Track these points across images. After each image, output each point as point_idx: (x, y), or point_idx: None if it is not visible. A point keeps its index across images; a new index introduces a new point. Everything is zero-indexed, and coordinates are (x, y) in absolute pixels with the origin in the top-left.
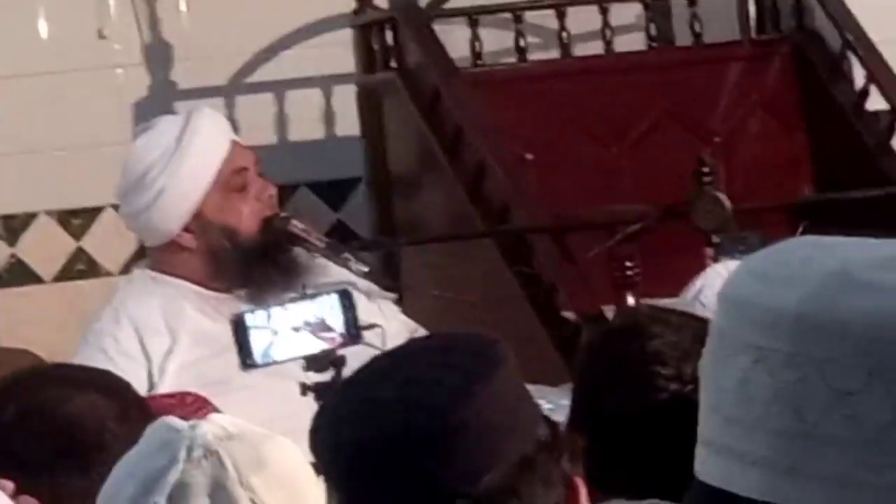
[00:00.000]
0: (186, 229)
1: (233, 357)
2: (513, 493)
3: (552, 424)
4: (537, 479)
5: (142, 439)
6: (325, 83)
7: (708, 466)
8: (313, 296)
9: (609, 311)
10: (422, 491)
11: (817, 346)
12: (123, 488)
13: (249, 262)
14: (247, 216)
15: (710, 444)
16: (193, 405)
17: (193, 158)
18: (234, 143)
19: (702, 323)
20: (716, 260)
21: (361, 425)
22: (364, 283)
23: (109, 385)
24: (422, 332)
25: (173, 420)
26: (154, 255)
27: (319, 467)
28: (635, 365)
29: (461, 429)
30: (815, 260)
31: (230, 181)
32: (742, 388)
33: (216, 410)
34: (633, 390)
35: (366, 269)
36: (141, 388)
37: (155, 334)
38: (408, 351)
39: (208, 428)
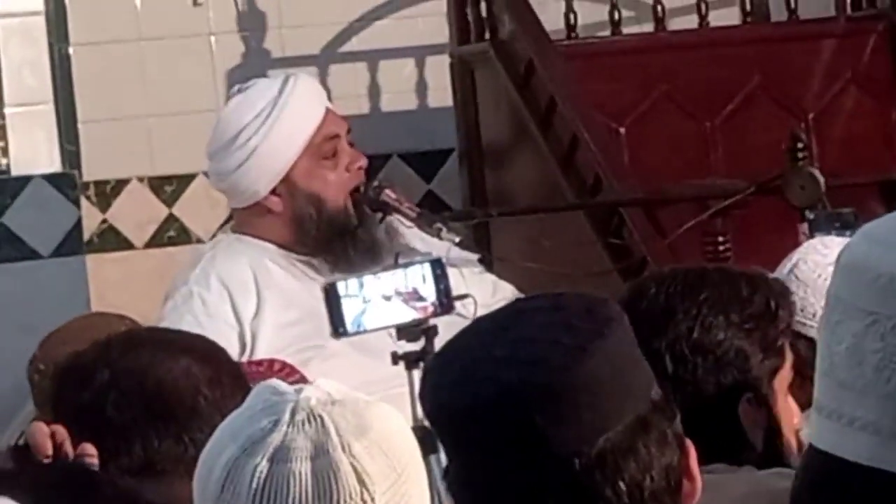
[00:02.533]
0: (274, 192)
1: (323, 322)
2: (630, 453)
3: (663, 385)
4: (652, 438)
5: (245, 402)
6: (419, 53)
7: (819, 431)
8: (406, 265)
9: None
10: (538, 450)
11: None
12: (225, 449)
13: (331, 234)
14: (333, 185)
15: (822, 408)
16: (282, 372)
17: (288, 122)
18: (328, 111)
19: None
20: (810, 236)
21: (476, 385)
22: (455, 255)
23: (203, 350)
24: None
25: (278, 383)
26: (239, 218)
27: (431, 429)
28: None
29: (577, 387)
30: None
31: (321, 147)
32: (853, 353)
33: (304, 378)
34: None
35: (457, 239)
36: (232, 352)
37: (245, 293)
38: (517, 310)
39: (312, 392)
